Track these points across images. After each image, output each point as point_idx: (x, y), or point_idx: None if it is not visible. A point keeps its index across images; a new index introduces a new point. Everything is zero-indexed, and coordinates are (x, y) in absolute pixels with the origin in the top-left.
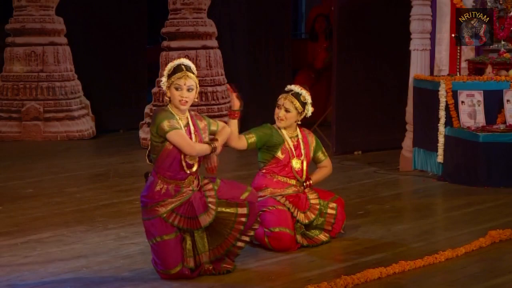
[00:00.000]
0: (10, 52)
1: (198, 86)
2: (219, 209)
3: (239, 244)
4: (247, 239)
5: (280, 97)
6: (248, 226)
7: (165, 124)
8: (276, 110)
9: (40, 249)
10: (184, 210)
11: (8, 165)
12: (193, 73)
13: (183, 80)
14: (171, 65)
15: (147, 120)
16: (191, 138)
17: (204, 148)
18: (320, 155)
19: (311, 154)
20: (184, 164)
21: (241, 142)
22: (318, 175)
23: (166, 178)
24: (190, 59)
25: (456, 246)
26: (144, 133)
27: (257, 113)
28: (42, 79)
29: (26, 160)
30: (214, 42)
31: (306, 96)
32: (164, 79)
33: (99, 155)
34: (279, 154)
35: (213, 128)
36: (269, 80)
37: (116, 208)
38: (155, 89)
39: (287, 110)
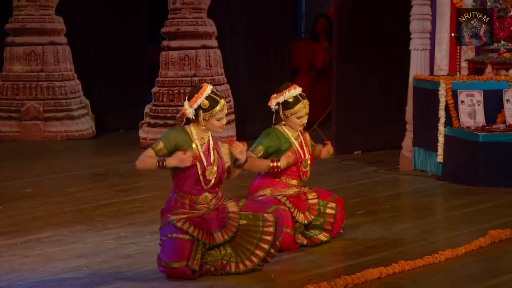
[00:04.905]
0: (10, 51)
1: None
2: (243, 222)
3: (261, 263)
4: (269, 259)
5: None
6: (275, 240)
7: (156, 142)
8: (298, 120)
9: (40, 248)
10: (196, 223)
11: (8, 165)
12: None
13: (224, 111)
14: (206, 93)
15: (147, 119)
16: (209, 155)
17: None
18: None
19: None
20: (201, 178)
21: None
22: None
23: (181, 192)
24: (190, 59)
25: (456, 246)
26: (144, 133)
27: (257, 113)
28: (42, 79)
29: (26, 160)
30: (214, 42)
31: None
32: (197, 103)
33: (99, 155)
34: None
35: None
36: (269, 80)
37: (116, 208)
38: (155, 89)
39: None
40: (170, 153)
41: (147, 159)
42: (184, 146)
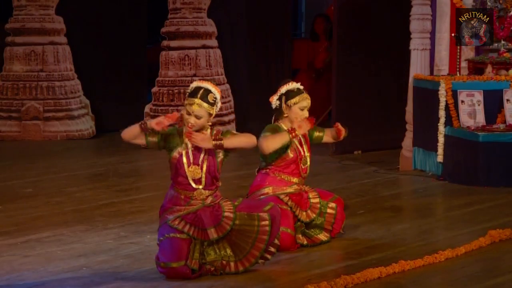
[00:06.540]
0: (10, 51)
1: (212, 112)
2: (239, 222)
3: (260, 261)
4: (268, 256)
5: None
6: (272, 239)
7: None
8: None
9: (40, 248)
10: (191, 220)
11: (8, 165)
12: (207, 102)
13: (192, 107)
14: (192, 85)
15: (147, 119)
16: (198, 154)
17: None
18: (317, 133)
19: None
20: (189, 177)
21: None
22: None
23: (178, 188)
24: (190, 59)
25: (456, 246)
26: None
27: (257, 113)
28: (41, 79)
29: (26, 159)
30: (214, 42)
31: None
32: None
33: (98, 154)
34: (289, 154)
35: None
36: (269, 80)
37: (116, 207)
38: (155, 89)
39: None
40: (159, 145)
41: (131, 130)
42: (173, 144)
